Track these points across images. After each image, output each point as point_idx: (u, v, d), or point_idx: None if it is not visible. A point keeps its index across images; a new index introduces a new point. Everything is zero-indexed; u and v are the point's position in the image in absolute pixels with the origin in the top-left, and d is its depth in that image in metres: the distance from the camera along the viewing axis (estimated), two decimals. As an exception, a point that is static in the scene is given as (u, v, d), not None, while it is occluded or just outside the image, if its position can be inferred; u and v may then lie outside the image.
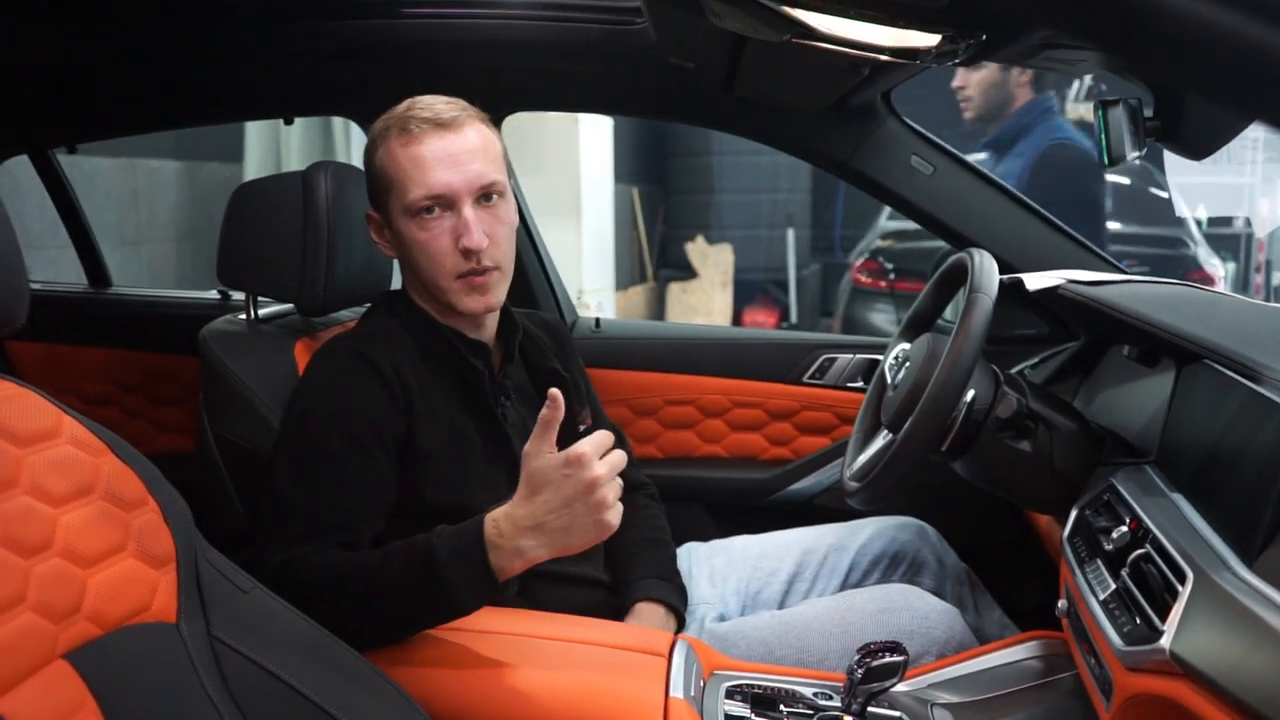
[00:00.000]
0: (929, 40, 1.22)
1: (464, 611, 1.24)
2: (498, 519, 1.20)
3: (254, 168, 4.59)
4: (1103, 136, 1.23)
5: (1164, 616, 0.97)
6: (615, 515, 1.19)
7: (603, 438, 1.19)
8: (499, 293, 1.46)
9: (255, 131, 4.63)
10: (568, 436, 1.58)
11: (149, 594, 0.96)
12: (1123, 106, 1.21)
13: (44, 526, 0.88)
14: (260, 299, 1.65)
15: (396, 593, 1.23)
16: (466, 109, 1.44)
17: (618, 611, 1.53)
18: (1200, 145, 1.18)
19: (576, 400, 1.62)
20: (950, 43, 1.20)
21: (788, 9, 1.21)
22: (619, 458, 1.20)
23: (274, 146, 4.64)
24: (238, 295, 1.68)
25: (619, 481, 1.20)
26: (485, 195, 1.42)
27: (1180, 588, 0.97)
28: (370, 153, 1.45)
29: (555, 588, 1.46)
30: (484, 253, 1.40)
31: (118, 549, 0.94)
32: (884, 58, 1.35)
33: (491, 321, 1.52)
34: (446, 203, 1.40)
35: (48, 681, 0.85)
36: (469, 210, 1.40)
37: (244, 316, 1.64)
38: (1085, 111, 8.66)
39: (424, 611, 1.24)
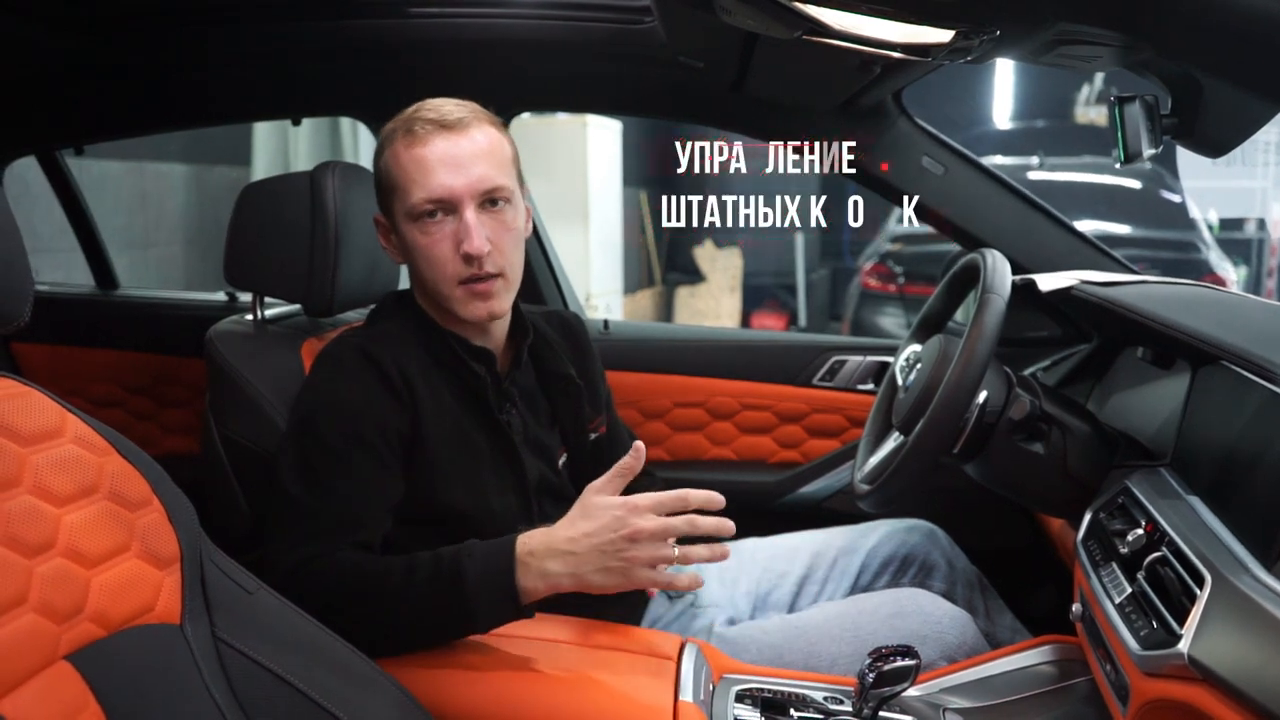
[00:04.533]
0: (942, 36, 1.21)
1: (478, 631, 1.24)
2: (532, 538, 1.22)
3: (262, 170, 4.60)
4: (1118, 134, 1.22)
5: (1182, 621, 0.96)
6: (645, 575, 1.21)
7: (671, 498, 1.22)
8: (503, 301, 1.42)
9: (264, 134, 4.65)
10: (577, 441, 1.58)
11: (153, 595, 0.95)
12: (1139, 103, 1.19)
13: (47, 526, 0.87)
14: (267, 300, 1.65)
15: (418, 606, 1.22)
16: (476, 111, 1.40)
17: (630, 611, 1.51)
18: (1218, 142, 1.17)
19: (591, 405, 1.60)
20: (964, 39, 1.19)
21: (800, 4, 1.19)
22: (678, 524, 1.21)
23: (283, 149, 4.65)
24: (245, 297, 1.67)
25: (669, 550, 1.21)
26: (490, 200, 1.38)
27: (1198, 591, 0.96)
28: (377, 156, 1.42)
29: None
30: (486, 259, 1.36)
31: (121, 549, 0.93)
32: (896, 55, 1.34)
33: (500, 326, 1.49)
34: (448, 206, 1.37)
35: (49, 683, 0.83)
36: (470, 214, 1.36)
37: (250, 317, 1.63)
38: (1096, 116, 8.62)
39: (442, 627, 1.24)
